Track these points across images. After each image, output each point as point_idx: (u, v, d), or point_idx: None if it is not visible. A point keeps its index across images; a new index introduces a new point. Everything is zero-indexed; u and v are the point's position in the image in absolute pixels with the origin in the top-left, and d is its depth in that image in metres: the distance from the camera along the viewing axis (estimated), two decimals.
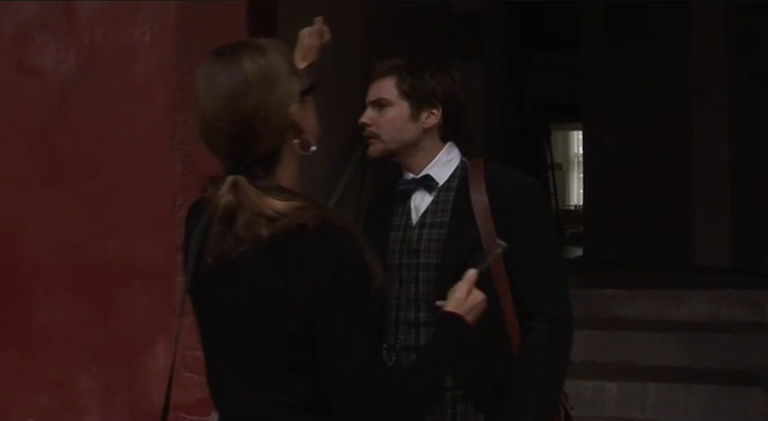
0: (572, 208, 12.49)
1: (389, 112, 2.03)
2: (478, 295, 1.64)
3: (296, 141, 1.45)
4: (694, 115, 5.82)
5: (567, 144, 13.88)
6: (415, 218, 2.03)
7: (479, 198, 1.94)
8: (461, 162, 2.06)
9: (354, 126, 4.21)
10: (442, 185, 2.03)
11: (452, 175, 2.04)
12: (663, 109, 6.08)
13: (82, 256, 3.23)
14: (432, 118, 2.03)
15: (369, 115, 2.06)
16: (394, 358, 1.96)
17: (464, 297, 1.62)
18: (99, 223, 3.21)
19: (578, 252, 7.51)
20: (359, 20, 4.30)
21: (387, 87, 2.03)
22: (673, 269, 5.40)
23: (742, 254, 5.36)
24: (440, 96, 2.03)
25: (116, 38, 3.24)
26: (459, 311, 1.61)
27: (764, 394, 3.44)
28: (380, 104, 2.04)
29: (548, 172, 9.04)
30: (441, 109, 2.03)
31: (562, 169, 12.30)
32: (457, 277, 1.73)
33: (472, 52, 6.30)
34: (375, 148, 2.07)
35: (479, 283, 1.71)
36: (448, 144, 2.08)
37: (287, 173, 1.47)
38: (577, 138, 13.59)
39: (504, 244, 1.72)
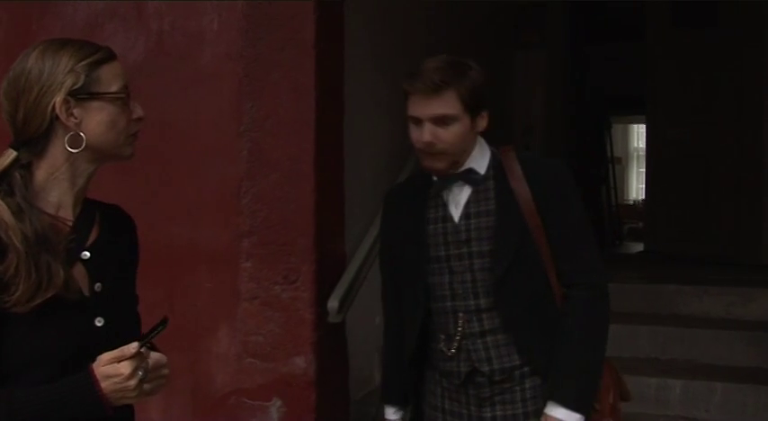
0: (631, 203, 12.29)
1: (456, 128, 1.98)
2: (124, 369, 1.39)
3: (67, 137, 1.47)
4: (764, 110, 5.66)
5: (626, 137, 13.65)
6: (454, 210, 2.06)
7: (522, 189, 2.03)
8: (491, 152, 2.11)
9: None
10: (482, 176, 2.07)
11: (488, 166, 2.08)
12: (731, 103, 5.92)
13: (148, 241, 3.25)
14: (484, 121, 2.05)
15: (432, 132, 1.97)
16: (456, 346, 2.03)
17: (108, 360, 1.40)
18: (165, 208, 3.25)
19: (638, 247, 7.38)
20: (420, 11, 4.27)
21: (450, 102, 1.97)
22: (738, 266, 5.27)
23: None
24: (487, 98, 2.04)
25: (184, 26, 3.28)
26: (97, 372, 1.40)
27: None
28: (444, 120, 1.97)
29: (608, 165, 8.90)
30: (487, 106, 2.05)
31: (621, 163, 12.10)
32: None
33: (535, 42, 6.22)
34: (443, 164, 2.01)
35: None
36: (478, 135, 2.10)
37: (49, 162, 1.48)
38: (637, 131, 13.37)
39: (166, 320, 1.49)
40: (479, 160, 2.07)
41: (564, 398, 1.95)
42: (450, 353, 2.04)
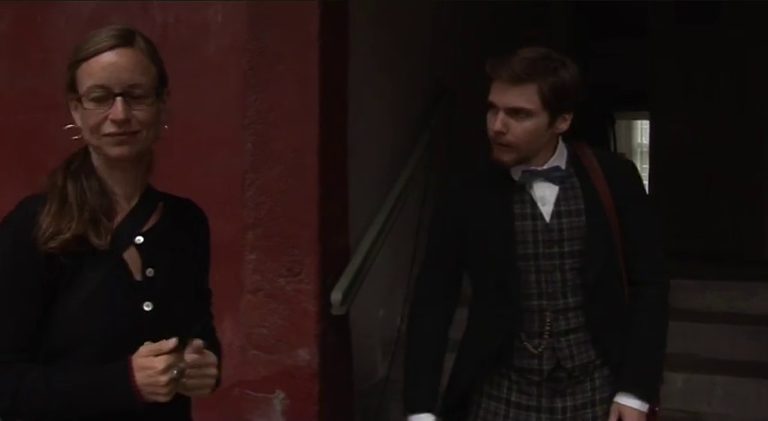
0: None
1: (528, 124, 1.92)
2: (159, 363, 1.37)
3: None
4: (766, 107, 5.66)
5: (630, 133, 13.63)
6: (543, 208, 2.00)
7: (603, 186, 2.02)
8: (568, 147, 2.08)
9: (421, 111, 4.24)
10: (565, 174, 2.03)
11: (568, 163, 2.04)
12: (733, 100, 5.92)
13: None
14: (565, 123, 1.99)
15: (504, 122, 1.93)
16: (543, 345, 2.02)
17: (146, 352, 1.40)
18: None
19: None
20: (424, 10, 4.27)
21: (528, 95, 1.90)
22: (741, 261, 5.27)
23: None
24: (575, 100, 1.97)
25: (189, 18, 3.28)
26: (134, 362, 1.39)
27: None
28: (517, 113, 1.91)
29: None
30: (572, 107, 1.98)
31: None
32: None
33: (537, 38, 6.21)
34: (509, 157, 1.97)
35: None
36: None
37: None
38: (641, 127, 13.35)
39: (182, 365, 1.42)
40: (561, 157, 2.03)
41: (638, 390, 2.01)
42: (537, 352, 2.02)
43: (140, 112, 1.48)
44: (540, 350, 2.01)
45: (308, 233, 2.99)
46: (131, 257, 1.52)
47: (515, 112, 1.91)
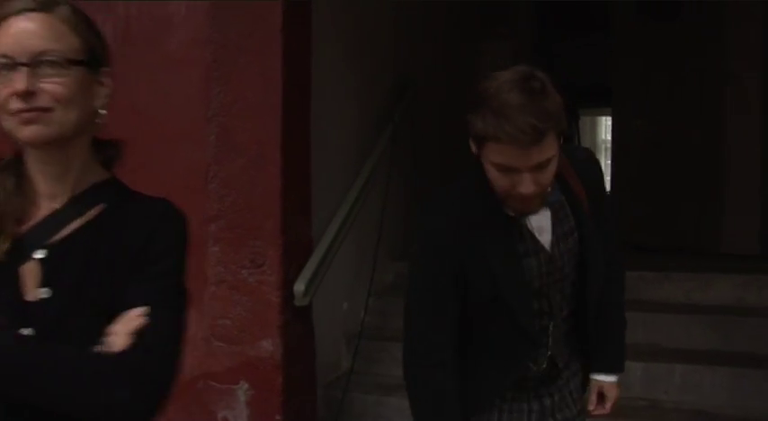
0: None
1: (552, 166, 1.72)
2: None
3: None
4: (726, 100, 5.78)
5: (594, 129, 13.77)
6: (542, 238, 1.89)
7: (579, 189, 1.93)
8: None
9: (385, 101, 4.27)
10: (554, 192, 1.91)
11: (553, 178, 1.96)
12: (694, 95, 6.03)
13: None
14: (562, 139, 1.82)
15: (534, 181, 1.70)
16: (545, 361, 1.99)
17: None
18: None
19: None
20: (388, 3, 4.31)
21: (550, 144, 1.68)
22: (699, 254, 5.37)
23: None
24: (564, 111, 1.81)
25: (151, 11, 3.28)
26: None
27: None
28: (545, 165, 1.70)
29: None
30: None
31: None
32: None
33: (503, 34, 6.27)
34: (537, 205, 1.83)
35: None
36: None
37: None
38: (605, 123, 13.49)
39: None
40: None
41: (613, 367, 2.14)
42: (539, 368, 1.98)
43: (52, 85, 1.23)
44: (542, 366, 1.98)
45: (270, 225, 3.01)
46: (30, 272, 1.26)
47: (542, 165, 1.69)
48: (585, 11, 7.58)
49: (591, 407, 2.13)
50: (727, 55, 5.73)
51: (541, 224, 1.89)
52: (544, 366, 1.98)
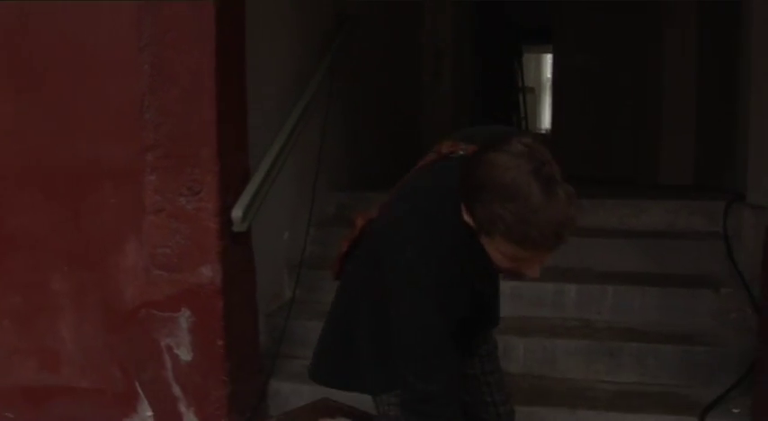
0: (543, 132, 12.59)
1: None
2: None
3: None
4: (664, 36, 5.87)
5: (539, 68, 13.87)
6: None
7: None
8: None
9: (322, 34, 4.27)
10: None
11: None
12: (633, 30, 6.12)
13: (50, 159, 3.28)
14: None
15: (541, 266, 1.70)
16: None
17: None
18: (66, 125, 3.24)
19: None
20: None
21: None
22: (636, 185, 5.52)
23: (704, 172, 5.48)
24: None
25: None
26: None
27: (714, 295, 3.57)
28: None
29: (518, 93, 9.08)
30: None
31: (534, 93, 12.33)
32: None
33: None
34: None
35: None
36: None
37: None
38: (550, 62, 13.60)
39: None
40: None
41: None
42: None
43: None
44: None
45: (206, 153, 3.02)
46: None
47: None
48: None
49: None
50: None
51: None
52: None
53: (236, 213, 3.03)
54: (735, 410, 3.05)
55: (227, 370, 3.13)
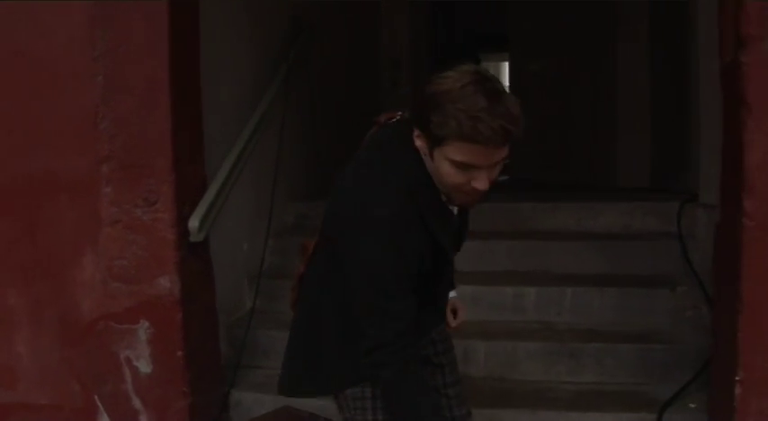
0: None
1: (501, 165, 1.80)
2: None
3: None
4: (617, 41, 5.96)
5: (498, 75, 14.00)
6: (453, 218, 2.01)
7: None
8: None
9: (279, 44, 4.28)
10: None
11: None
12: (586, 35, 6.20)
13: (5, 172, 3.24)
14: None
15: (488, 178, 1.78)
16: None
17: None
18: (21, 138, 3.22)
19: (503, 177, 7.66)
20: None
21: (508, 145, 1.76)
22: (594, 190, 5.58)
23: (659, 174, 5.57)
24: None
25: None
26: None
27: (670, 295, 3.63)
28: (499, 163, 1.78)
29: None
30: None
31: None
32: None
33: None
34: (476, 203, 1.91)
35: None
36: None
37: None
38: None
39: None
40: None
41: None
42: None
43: None
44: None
45: (162, 163, 3.02)
46: None
47: (497, 164, 1.78)
48: None
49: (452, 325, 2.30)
50: None
51: (454, 209, 2.00)
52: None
53: (193, 223, 3.03)
54: (692, 405, 3.09)
55: (188, 381, 3.11)
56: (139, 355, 3.14)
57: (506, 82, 14.61)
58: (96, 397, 3.21)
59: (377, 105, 6.64)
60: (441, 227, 1.93)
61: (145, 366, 3.13)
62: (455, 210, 2.00)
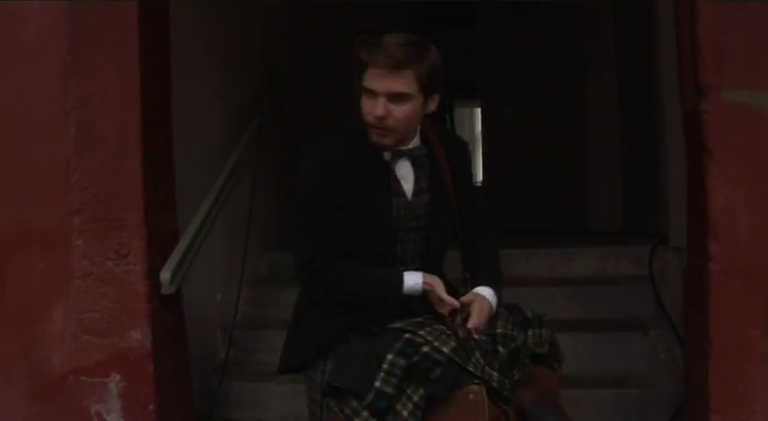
0: (478, 184, 12.67)
1: (408, 107, 2.06)
2: None
3: None
4: (587, 88, 6.07)
5: (473, 121, 14.08)
6: (405, 186, 2.20)
7: (444, 161, 2.23)
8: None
9: (251, 93, 4.31)
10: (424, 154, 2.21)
11: (422, 141, 2.22)
12: (559, 81, 6.31)
13: None
14: (434, 103, 2.14)
15: (386, 108, 2.05)
16: None
17: None
18: None
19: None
20: None
21: (408, 80, 2.04)
22: (567, 234, 5.62)
23: (631, 217, 5.62)
24: (442, 80, 2.12)
25: (4, 4, 3.22)
26: None
27: (644, 338, 3.65)
28: (398, 97, 2.04)
29: None
30: (440, 91, 2.13)
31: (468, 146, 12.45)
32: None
33: (369, 29, 6.40)
34: (390, 140, 2.12)
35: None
36: None
37: None
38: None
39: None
40: (418, 137, 2.20)
41: (493, 286, 2.33)
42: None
43: None
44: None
45: (134, 216, 3.01)
46: None
47: (396, 97, 2.03)
48: (452, 7, 7.79)
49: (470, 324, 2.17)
50: (585, 39, 6.02)
51: (405, 173, 2.19)
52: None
53: (164, 276, 3.02)
54: None
55: None
56: (110, 409, 3.10)
57: (479, 127, 14.83)
58: None
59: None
60: (371, 178, 2.14)
61: (116, 420, 3.09)
62: (404, 180, 2.19)
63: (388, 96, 2.03)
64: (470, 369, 2.01)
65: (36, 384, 3.18)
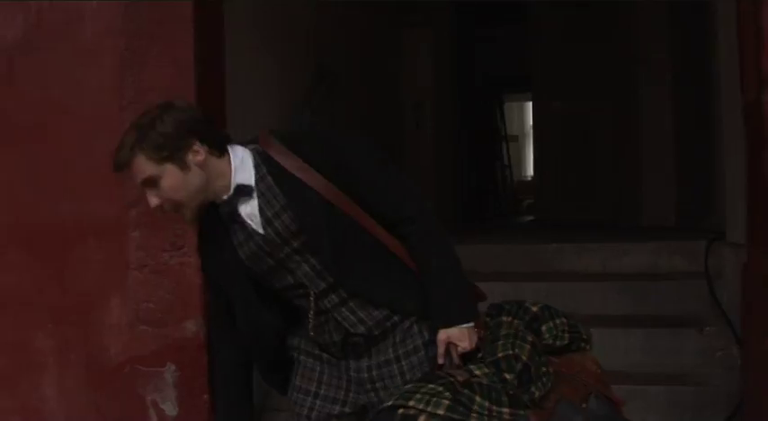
0: (529, 179, 12.63)
1: (167, 181, 1.98)
2: None
3: None
4: (639, 82, 5.99)
5: (522, 116, 13.99)
6: (253, 223, 2.05)
7: (293, 164, 2.01)
8: (252, 150, 2.07)
9: (302, 93, 4.31)
10: (256, 181, 2.04)
11: (256, 167, 2.05)
12: (608, 77, 6.24)
13: (35, 216, 3.30)
14: (198, 154, 1.98)
15: (154, 196, 2.01)
16: (312, 324, 2.10)
17: None
18: (52, 184, 3.28)
19: (529, 217, 7.67)
20: None
21: (143, 167, 1.98)
22: (619, 229, 5.56)
23: (685, 214, 5.55)
24: (188, 131, 1.98)
25: (63, 2, 3.29)
26: None
27: (697, 335, 3.60)
28: (151, 182, 1.99)
29: (501, 143, 9.18)
30: (197, 139, 1.98)
31: (518, 141, 12.45)
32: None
33: (421, 23, 6.41)
34: (190, 214, 2.07)
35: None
36: (229, 148, 2.05)
37: None
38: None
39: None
40: (243, 171, 2.03)
41: (450, 319, 2.05)
42: (311, 333, 2.11)
43: None
44: (311, 329, 2.11)
45: None
46: None
47: (150, 183, 1.99)
48: (504, 2, 7.76)
49: (440, 361, 2.06)
50: (637, 38, 5.95)
51: (249, 211, 2.05)
52: (337, 337, 2.10)
53: None
54: None
55: None
56: (165, 398, 3.16)
57: (530, 122, 14.76)
58: None
59: (401, 146, 6.70)
60: (216, 239, 2.12)
61: (171, 409, 3.14)
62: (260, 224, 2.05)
63: (146, 185, 2.00)
64: (474, 418, 1.88)
65: (93, 373, 3.25)
